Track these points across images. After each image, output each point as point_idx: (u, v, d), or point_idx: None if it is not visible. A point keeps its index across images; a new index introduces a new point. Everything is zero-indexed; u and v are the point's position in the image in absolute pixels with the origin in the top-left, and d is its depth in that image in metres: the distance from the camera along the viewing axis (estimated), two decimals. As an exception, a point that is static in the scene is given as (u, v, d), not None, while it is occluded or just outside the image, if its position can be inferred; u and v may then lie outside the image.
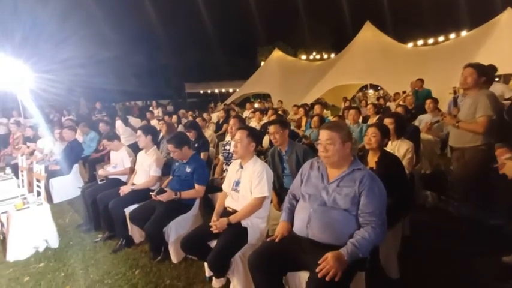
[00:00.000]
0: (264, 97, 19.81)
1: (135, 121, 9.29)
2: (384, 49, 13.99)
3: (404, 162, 3.05)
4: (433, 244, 3.02)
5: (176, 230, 3.06)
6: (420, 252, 2.88)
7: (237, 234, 2.45)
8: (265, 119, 7.28)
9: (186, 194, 3.14)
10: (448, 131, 3.66)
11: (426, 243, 3.04)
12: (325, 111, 8.84)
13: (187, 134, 4.13)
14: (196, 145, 4.47)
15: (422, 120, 5.03)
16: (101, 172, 4.23)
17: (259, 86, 18.82)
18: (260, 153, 4.44)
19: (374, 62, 13.27)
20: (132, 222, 3.30)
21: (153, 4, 27.52)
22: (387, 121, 3.27)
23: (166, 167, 3.84)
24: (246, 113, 10.19)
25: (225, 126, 7.74)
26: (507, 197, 2.99)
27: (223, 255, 2.38)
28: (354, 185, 1.91)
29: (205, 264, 2.60)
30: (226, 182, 2.82)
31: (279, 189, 3.20)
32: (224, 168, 4.01)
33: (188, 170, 3.20)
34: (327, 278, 1.66)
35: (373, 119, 5.50)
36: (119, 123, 7.47)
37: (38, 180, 4.17)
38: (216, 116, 10.22)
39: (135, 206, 3.38)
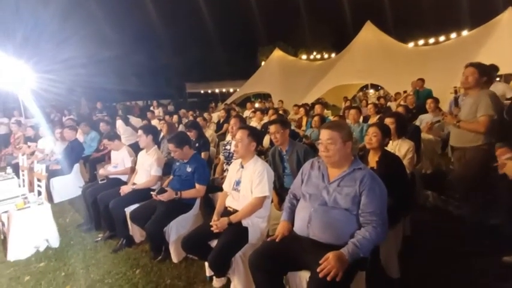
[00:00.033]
0: (265, 97, 19.82)
1: (135, 121, 9.30)
2: (385, 49, 13.98)
3: (405, 161, 3.04)
4: (433, 244, 3.02)
5: (177, 229, 3.06)
6: (421, 252, 2.88)
7: (237, 233, 2.45)
8: (265, 119, 7.28)
9: (187, 194, 3.14)
10: (449, 130, 3.65)
11: (427, 243, 3.04)
12: (325, 111, 8.83)
13: (188, 133, 4.13)
14: (197, 145, 4.47)
15: (423, 120, 5.02)
16: (101, 172, 4.23)
17: (260, 86, 18.82)
18: (261, 152, 4.43)
19: (375, 61, 13.26)
20: (133, 222, 3.30)
21: (153, 4, 27.55)
22: (388, 121, 3.26)
23: (167, 167, 3.85)
24: (247, 113, 10.20)
25: (225, 126, 7.74)
26: (507, 196, 2.98)
27: (224, 255, 2.38)
28: (355, 185, 1.91)
29: (206, 263, 2.60)
30: (227, 182, 2.82)
31: (280, 189, 3.20)
32: (225, 168, 4.01)
33: (189, 169, 3.20)
34: (328, 278, 1.66)
35: (373, 119, 5.50)
36: (119, 123, 7.48)
37: (38, 180, 4.18)
38: (216, 115, 10.23)
39: (136, 205, 3.38)
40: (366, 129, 3.51)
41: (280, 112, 7.66)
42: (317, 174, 2.10)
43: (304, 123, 7.04)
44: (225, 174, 3.77)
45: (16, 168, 5.27)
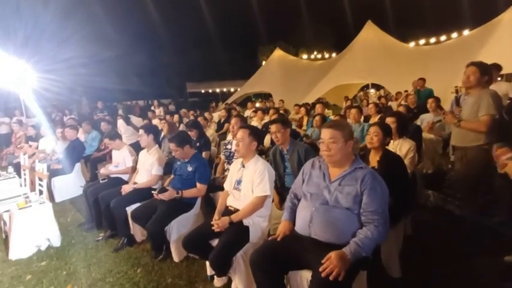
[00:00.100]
0: (266, 96, 19.83)
1: (136, 120, 9.31)
2: (386, 48, 13.96)
3: (406, 161, 3.04)
4: (434, 243, 3.02)
5: (178, 228, 3.06)
6: (421, 252, 2.87)
7: (238, 233, 2.45)
8: (266, 119, 7.28)
9: (188, 193, 3.15)
10: (450, 130, 3.65)
11: (427, 242, 3.04)
12: (326, 110, 8.83)
13: (189, 133, 4.14)
14: (197, 144, 4.48)
15: (424, 120, 5.01)
16: (102, 171, 4.24)
17: (261, 86, 18.81)
18: (261, 152, 4.43)
19: (375, 61, 13.24)
20: (134, 221, 3.30)
21: (154, 3, 27.58)
22: (389, 120, 3.26)
23: (168, 166, 3.85)
24: (248, 113, 10.19)
25: (226, 125, 7.75)
26: (507, 197, 2.99)
27: (225, 254, 2.38)
28: (356, 184, 1.91)
29: (207, 263, 2.60)
30: (228, 181, 2.82)
31: (281, 188, 3.21)
32: (225, 168, 4.02)
33: (190, 169, 3.21)
34: (330, 278, 1.66)
35: (374, 119, 5.49)
36: (120, 123, 7.49)
37: (40, 179, 4.19)
38: (217, 115, 10.23)
39: (137, 204, 3.38)
40: (367, 128, 3.51)
41: (281, 112, 7.66)
42: (318, 173, 2.10)
43: (305, 122, 7.04)
44: (226, 173, 3.77)
45: (17, 168, 5.28)
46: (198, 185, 3.19)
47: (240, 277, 2.43)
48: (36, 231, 3.44)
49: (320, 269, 1.70)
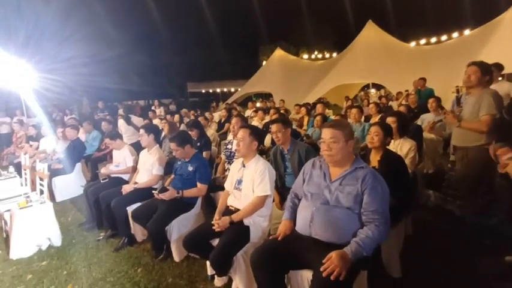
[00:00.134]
0: (266, 96, 19.80)
1: (137, 120, 9.33)
2: (386, 48, 13.94)
3: (407, 161, 3.04)
4: (435, 243, 3.02)
5: (178, 228, 3.07)
6: (422, 252, 2.87)
7: (239, 232, 2.45)
8: (267, 118, 7.28)
9: (188, 193, 3.15)
10: (451, 130, 3.65)
11: (428, 242, 3.04)
12: (327, 110, 8.82)
13: (190, 132, 4.14)
14: (198, 144, 4.48)
15: (425, 120, 5.01)
16: (103, 171, 4.24)
17: (261, 85, 18.80)
18: (262, 152, 4.43)
19: (376, 61, 13.22)
20: (135, 221, 3.31)
21: (155, 3, 27.60)
22: (390, 120, 3.26)
23: (169, 166, 3.86)
24: (248, 112, 10.19)
25: (227, 125, 7.75)
26: (507, 197, 2.98)
27: (226, 254, 2.38)
28: (357, 183, 1.91)
29: (208, 262, 2.60)
30: (229, 181, 2.82)
31: (281, 188, 3.20)
32: (226, 167, 4.02)
33: (190, 168, 3.21)
34: (331, 277, 1.66)
35: (375, 118, 5.48)
36: (121, 122, 7.50)
37: (41, 179, 4.20)
38: (218, 115, 10.23)
39: (138, 204, 3.39)
40: (368, 128, 3.51)
41: (282, 112, 7.66)
42: (319, 173, 2.10)
43: (305, 122, 7.04)
44: (226, 173, 3.78)
45: (18, 167, 5.29)
46: (198, 184, 3.19)
47: (240, 277, 2.43)
48: (37, 230, 3.44)
49: (321, 269, 1.69)
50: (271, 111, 7.47)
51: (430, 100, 5.14)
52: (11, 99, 13.30)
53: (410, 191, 2.86)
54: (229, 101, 18.97)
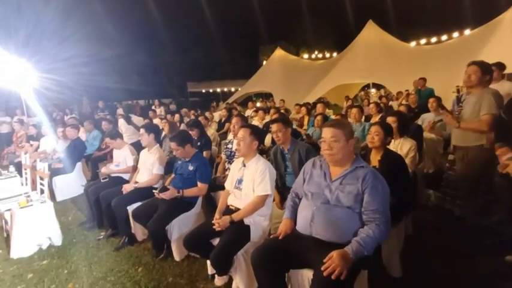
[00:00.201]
0: (266, 96, 19.81)
1: (137, 120, 9.34)
2: (387, 48, 13.94)
3: (407, 160, 3.04)
4: (435, 243, 3.02)
5: (179, 227, 3.07)
6: (422, 251, 2.87)
7: (239, 232, 2.46)
8: (267, 118, 7.28)
9: (189, 192, 3.15)
10: (451, 130, 3.65)
11: (428, 242, 3.04)
12: (327, 110, 8.82)
13: (190, 132, 4.14)
14: (198, 143, 4.48)
15: (425, 119, 5.01)
16: (103, 170, 4.24)
17: (261, 85, 18.80)
18: (262, 152, 4.43)
19: (376, 61, 13.23)
20: (135, 220, 3.31)
21: (155, 3, 27.59)
22: (390, 119, 3.26)
23: (169, 165, 3.86)
24: (248, 112, 10.19)
25: (227, 125, 7.75)
26: (507, 196, 2.98)
27: (226, 253, 2.39)
28: (357, 183, 1.91)
29: (208, 262, 2.60)
30: (229, 180, 2.82)
31: (281, 188, 3.21)
32: (226, 167, 4.02)
33: (191, 168, 3.21)
34: (332, 277, 1.66)
35: (375, 118, 5.48)
36: (121, 122, 7.50)
37: (41, 178, 4.20)
38: (218, 115, 10.23)
39: (138, 204, 3.39)
40: (368, 128, 3.51)
41: (282, 111, 7.66)
42: (319, 172, 2.10)
43: (305, 122, 7.03)
44: (226, 173, 3.78)
45: (19, 167, 5.29)
46: (199, 184, 3.19)
47: (240, 276, 2.44)
48: (37, 230, 3.44)
49: (322, 268, 1.69)
50: (272, 111, 7.47)
51: (431, 100, 5.14)
52: (11, 98, 13.32)
53: (411, 190, 2.86)
54: (230, 100, 18.97)
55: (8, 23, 17.73)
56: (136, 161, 4.04)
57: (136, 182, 3.73)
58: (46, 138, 6.41)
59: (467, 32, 14.64)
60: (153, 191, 3.14)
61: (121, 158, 4.18)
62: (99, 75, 19.33)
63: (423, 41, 20.03)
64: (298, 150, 3.17)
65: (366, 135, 3.10)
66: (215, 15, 29.39)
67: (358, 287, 1.87)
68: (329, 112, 9.21)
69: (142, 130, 3.83)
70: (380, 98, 13.38)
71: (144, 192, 3.49)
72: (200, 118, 6.92)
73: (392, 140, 3.05)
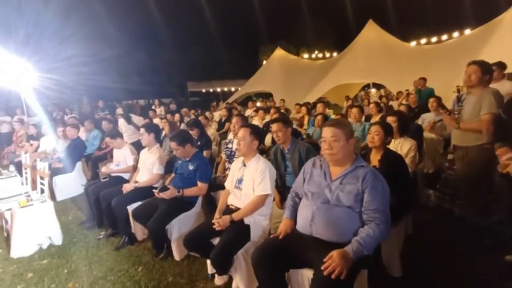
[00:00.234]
0: (266, 96, 19.82)
1: (137, 119, 9.34)
2: (387, 48, 13.93)
3: (407, 160, 3.04)
4: (435, 243, 3.02)
5: (179, 227, 3.07)
6: (422, 251, 2.87)
7: (239, 231, 2.46)
8: (267, 118, 7.28)
9: (189, 192, 3.15)
10: (451, 129, 3.64)
11: (428, 242, 3.04)
12: (327, 110, 8.82)
13: (190, 132, 4.14)
14: (198, 143, 4.48)
15: (426, 119, 5.01)
16: (103, 170, 4.25)
17: (262, 85, 18.80)
18: (262, 151, 4.44)
19: (377, 60, 13.22)
20: (135, 220, 3.31)
21: (156, 2, 27.57)
22: (390, 119, 3.26)
23: (169, 165, 3.86)
24: (249, 112, 10.19)
25: (227, 124, 7.75)
26: (507, 196, 2.98)
27: (226, 252, 2.39)
28: (357, 182, 1.91)
29: (208, 261, 2.61)
30: (229, 180, 2.83)
31: (282, 188, 3.21)
32: (226, 167, 4.02)
33: (191, 167, 3.21)
34: (332, 276, 1.66)
35: (375, 118, 5.48)
36: (121, 121, 7.51)
37: (41, 178, 4.20)
38: (218, 114, 10.23)
39: (138, 203, 3.39)
40: (368, 128, 3.51)
41: (282, 111, 7.66)
42: (319, 172, 2.10)
43: (305, 122, 7.03)
44: (226, 172, 3.78)
45: (19, 166, 5.29)
46: (199, 183, 3.19)
47: (240, 275, 2.44)
48: (37, 229, 3.44)
49: (322, 268, 1.69)
50: (272, 110, 7.47)
51: (431, 100, 5.14)
52: (11, 98, 13.33)
53: (411, 190, 2.86)
54: (230, 100, 18.97)
55: (8, 23, 17.73)
56: (137, 160, 4.05)
57: (136, 182, 3.73)
58: (46, 137, 6.41)
59: (467, 31, 14.64)
60: (153, 190, 3.14)
61: (121, 158, 4.19)
62: (99, 75, 19.34)
63: (423, 40, 20.03)
64: (298, 150, 3.17)
65: (366, 135, 3.11)
66: (215, 15, 29.41)
67: (358, 286, 1.87)
68: (329, 112, 9.21)
69: (142, 130, 3.83)
70: (380, 97, 13.38)
71: (144, 192, 3.49)
72: (200, 118, 6.93)
73: (393, 140, 3.05)
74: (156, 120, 8.37)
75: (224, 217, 2.51)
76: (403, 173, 2.62)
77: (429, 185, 4.06)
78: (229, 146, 4.07)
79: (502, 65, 4.31)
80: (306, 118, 7.16)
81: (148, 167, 3.71)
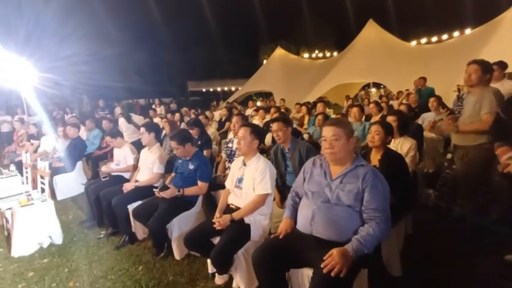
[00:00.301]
0: (267, 95, 19.82)
1: (138, 119, 9.34)
2: (387, 47, 13.94)
3: (407, 160, 3.04)
4: (435, 242, 3.02)
5: (179, 226, 3.08)
6: (422, 251, 2.87)
7: (240, 231, 2.46)
8: (268, 117, 7.28)
9: (189, 191, 3.15)
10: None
11: (428, 241, 3.04)
12: (327, 109, 8.82)
13: (190, 131, 4.14)
14: (199, 142, 4.48)
15: (426, 119, 5.01)
16: (104, 169, 4.25)
17: (262, 84, 18.81)
18: (262, 151, 4.44)
19: (377, 60, 13.23)
20: (136, 219, 3.31)
21: (156, 2, 27.55)
22: (390, 119, 3.26)
23: (169, 164, 3.86)
24: (249, 111, 10.19)
25: (227, 124, 7.75)
26: (507, 196, 2.98)
27: (227, 252, 2.39)
28: (357, 181, 1.91)
29: (208, 260, 2.61)
30: (229, 179, 2.83)
31: (282, 187, 3.21)
32: (227, 166, 4.03)
33: (191, 166, 3.21)
34: (332, 274, 1.66)
35: (376, 118, 5.48)
36: (122, 121, 7.51)
37: (42, 177, 4.20)
38: (218, 114, 10.24)
39: (138, 202, 3.39)
40: (368, 127, 3.51)
41: (282, 110, 7.66)
42: (319, 171, 2.10)
43: (306, 121, 7.03)
44: (227, 172, 3.78)
45: (19, 166, 5.30)
46: (199, 183, 3.20)
47: (241, 275, 2.44)
48: (38, 228, 3.45)
49: (322, 265, 1.69)
50: (272, 110, 7.47)
51: (431, 99, 5.14)
52: (11, 97, 13.34)
53: (411, 190, 2.86)
54: (230, 100, 18.95)
55: (8, 22, 17.73)
56: (137, 159, 4.05)
57: (136, 181, 3.73)
58: (46, 137, 6.41)
59: (468, 31, 14.64)
60: (154, 189, 3.14)
61: (121, 157, 4.19)
62: (100, 74, 19.33)
63: (424, 40, 20.03)
64: (298, 150, 3.17)
65: (366, 135, 3.11)
66: (215, 15, 29.40)
67: (358, 285, 1.87)
68: (329, 111, 9.21)
69: (142, 129, 3.84)
70: (380, 97, 13.37)
71: (144, 191, 3.49)
72: (200, 117, 6.93)
73: (393, 139, 3.05)
74: (156, 120, 8.37)
75: (224, 216, 2.51)
76: (403, 173, 2.62)
77: (429, 185, 4.06)
78: (230, 145, 4.07)
79: (502, 65, 4.30)
80: (306, 118, 7.16)
81: (148, 166, 3.72)
